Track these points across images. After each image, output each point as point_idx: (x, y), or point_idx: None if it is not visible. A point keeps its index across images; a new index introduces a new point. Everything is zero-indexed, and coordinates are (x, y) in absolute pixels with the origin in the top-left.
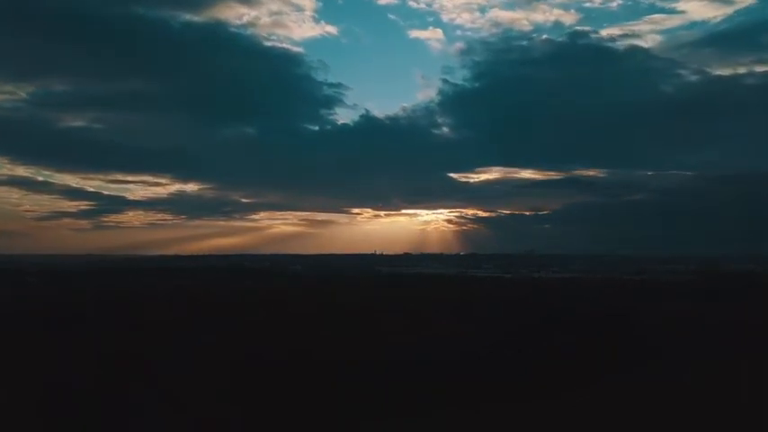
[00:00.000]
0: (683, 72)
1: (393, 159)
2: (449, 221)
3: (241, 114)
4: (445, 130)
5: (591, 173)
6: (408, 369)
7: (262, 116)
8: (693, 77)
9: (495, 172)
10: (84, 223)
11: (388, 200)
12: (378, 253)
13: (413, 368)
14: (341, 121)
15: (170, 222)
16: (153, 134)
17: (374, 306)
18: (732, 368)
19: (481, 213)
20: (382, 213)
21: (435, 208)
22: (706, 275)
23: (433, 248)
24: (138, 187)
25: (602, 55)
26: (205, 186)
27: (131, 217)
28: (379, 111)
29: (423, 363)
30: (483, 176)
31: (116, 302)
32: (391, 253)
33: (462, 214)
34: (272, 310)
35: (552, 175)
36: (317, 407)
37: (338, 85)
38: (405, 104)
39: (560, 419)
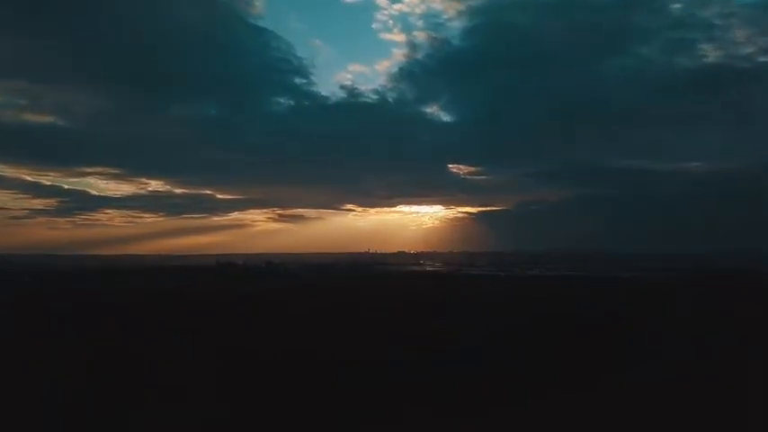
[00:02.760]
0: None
1: (382, 149)
2: (443, 218)
3: (197, 87)
4: (436, 109)
5: (619, 164)
6: (407, 370)
7: (223, 89)
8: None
9: (491, 163)
10: (60, 221)
11: (378, 195)
12: (371, 252)
13: (411, 369)
14: (317, 92)
15: (149, 221)
16: (90, 114)
17: (372, 306)
18: (730, 368)
19: (475, 209)
20: (373, 210)
21: (429, 204)
22: (703, 274)
23: (428, 246)
24: (101, 182)
25: None
26: (174, 181)
27: (105, 216)
28: (358, 77)
29: (421, 363)
30: (477, 168)
31: (111, 302)
32: (385, 251)
33: (456, 210)
34: (271, 310)
35: (558, 166)
36: (316, 407)
37: (311, 45)
38: (387, 67)
39: (560, 420)
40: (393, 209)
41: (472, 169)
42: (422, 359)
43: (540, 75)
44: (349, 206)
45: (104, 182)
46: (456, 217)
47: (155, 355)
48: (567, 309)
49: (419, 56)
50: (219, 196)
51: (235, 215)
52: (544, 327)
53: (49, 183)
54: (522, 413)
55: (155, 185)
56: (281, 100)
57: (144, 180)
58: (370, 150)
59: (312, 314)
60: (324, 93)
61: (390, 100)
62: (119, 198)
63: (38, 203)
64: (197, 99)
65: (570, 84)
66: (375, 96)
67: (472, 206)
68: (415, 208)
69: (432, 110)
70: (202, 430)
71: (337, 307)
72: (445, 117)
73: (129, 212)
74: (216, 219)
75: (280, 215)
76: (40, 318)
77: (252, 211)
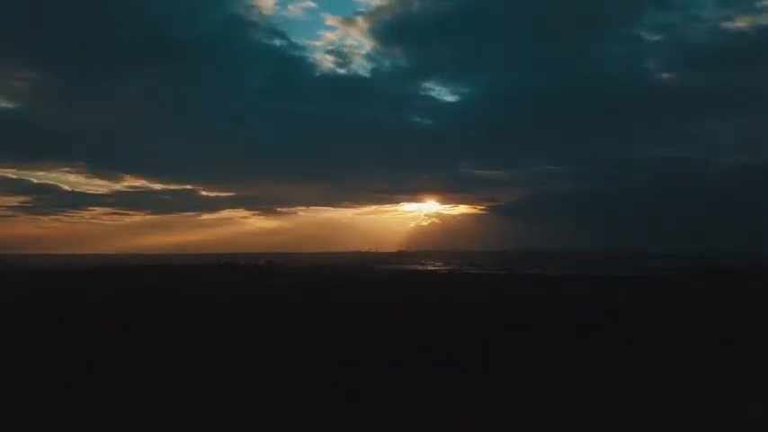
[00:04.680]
0: None
1: (381, 137)
2: (445, 216)
3: (152, 56)
4: (435, 84)
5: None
6: (407, 370)
7: (185, 57)
8: None
9: (497, 155)
10: (45, 220)
11: (379, 191)
12: (372, 251)
13: (411, 369)
14: (301, 57)
15: (137, 219)
16: (29, 94)
17: (372, 306)
18: (730, 368)
19: (478, 207)
20: (372, 208)
21: (431, 201)
22: (703, 272)
23: (429, 245)
24: (71, 177)
25: None
26: (150, 177)
27: (90, 213)
28: (342, 36)
29: (420, 363)
30: (482, 161)
31: (111, 302)
32: (386, 251)
33: (459, 207)
34: (271, 310)
35: (569, 159)
36: (316, 407)
37: None
38: (373, 22)
39: (560, 420)
40: (395, 206)
41: (477, 162)
42: (422, 359)
43: (559, 39)
44: (348, 203)
45: (74, 176)
46: (458, 215)
47: (155, 355)
48: (567, 309)
49: (413, 8)
50: (204, 193)
51: (226, 213)
52: (544, 327)
53: (14, 176)
54: (522, 413)
55: (129, 180)
56: (260, 69)
57: (116, 174)
58: (367, 138)
59: (312, 314)
60: (309, 59)
61: (384, 71)
62: (99, 195)
63: (12, 200)
64: (154, 72)
65: (595, 52)
66: (368, 65)
67: (475, 203)
68: (416, 206)
69: (430, 85)
70: (202, 430)
71: (337, 307)
72: (447, 96)
73: (113, 210)
74: (207, 217)
75: (275, 213)
76: (39, 318)
77: (245, 208)
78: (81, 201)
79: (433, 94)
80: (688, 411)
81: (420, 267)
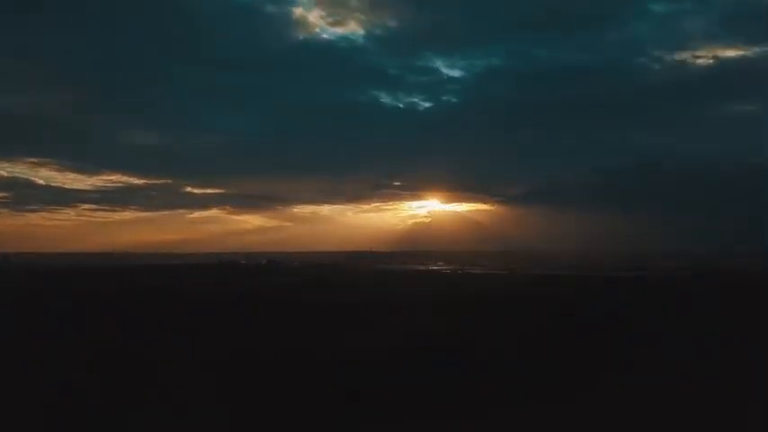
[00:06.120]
0: None
1: (375, 129)
2: (447, 214)
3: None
4: (433, 57)
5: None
6: (407, 370)
7: (147, 24)
8: None
9: (501, 150)
10: (34, 217)
11: (379, 187)
12: (373, 250)
13: (411, 369)
14: (284, 16)
15: (127, 217)
16: None
17: (372, 306)
18: (730, 368)
19: (482, 205)
20: (373, 206)
21: (433, 198)
22: (704, 273)
23: (430, 244)
24: (43, 170)
25: None
26: (132, 173)
27: (75, 210)
28: None
29: (421, 363)
30: (485, 156)
31: (111, 302)
32: (387, 250)
33: (462, 206)
34: (271, 310)
35: (575, 157)
36: (316, 407)
37: None
38: None
39: (560, 420)
40: (396, 204)
41: (479, 155)
42: (422, 359)
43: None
44: (347, 201)
45: (45, 169)
46: (460, 212)
47: (155, 355)
48: (567, 309)
49: None
50: (189, 189)
51: (216, 211)
52: (544, 327)
53: None
54: (522, 413)
55: (107, 174)
56: (238, 37)
57: (91, 168)
58: (367, 129)
59: (312, 314)
60: (292, 15)
61: (377, 40)
62: (83, 191)
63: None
64: (117, 44)
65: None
66: (358, 27)
67: (477, 200)
68: (417, 203)
69: (429, 55)
70: (202, 430)
71: (337, 307)
72: (448, 70)
73: (98, 206)
74: (198, 215)
75: (273, 212)
76: (40, 318)
77: (239, 207)
78: (63, 197)
79: (431, 72)
80: (688, 411)
81: (421, 267)
